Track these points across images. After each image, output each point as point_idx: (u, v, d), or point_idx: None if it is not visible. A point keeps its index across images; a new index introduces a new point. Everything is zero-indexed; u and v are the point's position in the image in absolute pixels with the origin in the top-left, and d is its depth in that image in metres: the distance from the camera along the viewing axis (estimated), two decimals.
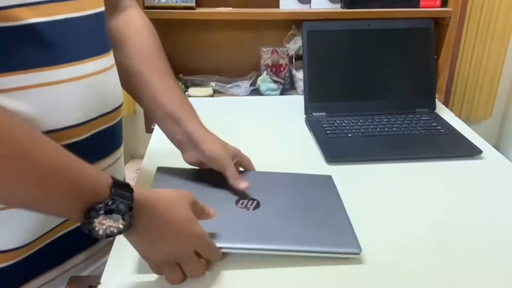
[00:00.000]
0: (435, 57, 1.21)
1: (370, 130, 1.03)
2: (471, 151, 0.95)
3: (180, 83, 1.60)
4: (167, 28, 1.57)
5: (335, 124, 1.04)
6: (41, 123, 0.55)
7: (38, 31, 0.53)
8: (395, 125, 1.05)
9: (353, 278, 0.62)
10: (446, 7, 1.37)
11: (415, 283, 0.61)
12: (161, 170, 0.78)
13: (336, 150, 0.94)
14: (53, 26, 0.54)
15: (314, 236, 0.65)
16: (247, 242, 0.63)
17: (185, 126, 0.70)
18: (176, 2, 1.37)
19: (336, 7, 1.39)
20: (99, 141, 0.64)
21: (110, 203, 0.48)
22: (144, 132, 1.59)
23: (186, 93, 1.60)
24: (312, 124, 1.05)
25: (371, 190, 0.82)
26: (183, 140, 0.71)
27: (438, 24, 1.34)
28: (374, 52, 1.13)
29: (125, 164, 1.93)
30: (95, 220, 0.47)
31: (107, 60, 0.64)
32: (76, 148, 0.50)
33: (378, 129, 1.03)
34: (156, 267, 0.56)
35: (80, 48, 0.58)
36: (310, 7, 1.42)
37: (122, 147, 0.73)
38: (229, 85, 1.64)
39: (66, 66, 0.56)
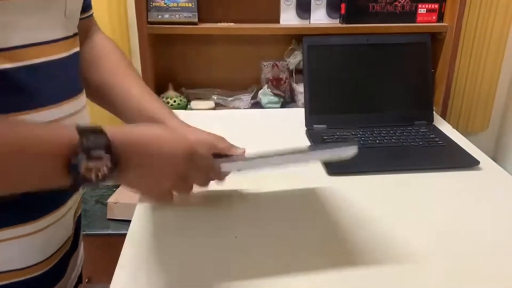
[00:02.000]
0: (432, 70, 1.23)
1: (370, 142, 1.05)
2: (469, 162, 0.97)
3: (182, 96, 1.62)
4: (170, 43, 1.60)
5: (336, 136, 1.07)
6: None
7: (12, 77, 0.51)
8: (394, 137, 1.08)
9: (354, 283, 0.63)
10: (442, 22, 1.41)
11: None
12: None
13: (337, 162, 0.96)
14: (28, 71, 0.53)
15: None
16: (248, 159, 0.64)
17: (167, 123, 0.73)
18: (179, 17, 1.40)
19: (335, 22, 1.42)
20: None
21: (84, 141, 0.46)
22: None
23: (188, 106, 1.63)
24: (313, 136, 1.07)
25: (372, 201, 0.84)
26: None
27: (435, 38, 1.37)
28: (373, 66, 1.16)
29: None
30: (81, 166, 0.46)
31: (81, 101, 0.64)
32: None
33: (377, 141, 1.06)
34: (158, 198, 0.57)
35: (56, 91, 0.57)
36: (309, 22, 1.45)
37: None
38: (230, 98, 1.67)
39: (43, 110, 0.55)
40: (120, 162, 0.49)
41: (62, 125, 0.53)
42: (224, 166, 0.64)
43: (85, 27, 0.74)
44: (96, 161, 0.47)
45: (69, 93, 0.60)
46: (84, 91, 0.66)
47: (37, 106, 0.54)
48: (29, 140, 0.46)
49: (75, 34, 0.62)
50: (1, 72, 0.50)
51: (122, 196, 1.79)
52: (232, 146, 0.74)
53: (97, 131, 0.48)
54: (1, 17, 0.48)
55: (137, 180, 0.53)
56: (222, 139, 0.76)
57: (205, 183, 0.63)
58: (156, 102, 0.75)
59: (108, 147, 0.47)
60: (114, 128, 0.50)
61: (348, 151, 0.64)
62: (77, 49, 0.62)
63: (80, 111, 0.63)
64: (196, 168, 0.58)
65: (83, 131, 0.47)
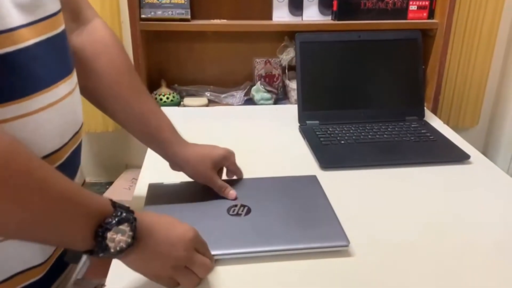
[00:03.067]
0: (423, 67, 1.25)
1: (362, 137, 1.06)
2: (460, 157, 0.99)
3: (175, 93, 1.63)
4: (163, 39, 1.60)
5: (328, 132, 1.08)
6: None
7: (8, 61, 0.50)
8: (386, 132, 1.09)
9: (344, 273, 0.65)
10: (433, 19, 1.42)
11: (402, 279, 0.64)
12: (153, 187, 0.81)
13: (329, 156, 0.97)
14: (22, 53, 0.52)
15: (304, 234, 0.69)
16: (241, 247, 0.66)
17: (167, 149, 0.75)
18: (172, 14, 1.40)
19: (327, 19, 1.43)
20: (73, 162, 0.64)
21: (119, 213, 0.51)
22: (139, 143, 1.61)
23: (181, 103, 1.63)
24: (306, 132, 1.08)
25: (364, 194, 0.86)
26: (167, 159, 0.78)
27: (426, 35, 1.39)
28: (365, 62, 1.17)
29: (120, 174, 1.93)
30: (108, 234, 0.50)
31: (73, 79, 0.63)
32: None
33: (369, 136, 1.07)
34: (155, 279, 0.59)
35: (51, 72, 0.57)
36: (302, 19, 1.46)
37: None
38: (223, 95, 1.67)
39: (41, 94, 0.54)
40: (137, 241, 0.53)
41: (96, 194, 0.54)
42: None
43: (73, 4, 0.70)
44: (121, 234, 0.51)
45: (63, 73, 0.59)
46: (75, 70, 0.64)
47: (36, 90, 0.54)
48: (70, 193, 0.49)
49: (59, 11, 0.60)
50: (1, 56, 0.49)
51: (115, 194, 1.79)
52: (225, 187, 0.77)
53: (128, 208, 0.53)
54: None
55: (142, 262, 0.56)
56: (231, 154, 0.80)
57: (205, 270, 0.62)
58: (154, 121, 0.75)
59: (134, 226, 0.52)
60: (140, 213, 0.55)
61: (337, 246, 0.68)
62: (63, 26, 0.61)
63: (74, 89, 0.62)
64: (196, 254, 0.60)
65: (116, 205, 0.53)
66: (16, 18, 0.51)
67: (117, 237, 0.51)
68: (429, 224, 0.77)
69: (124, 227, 0.51)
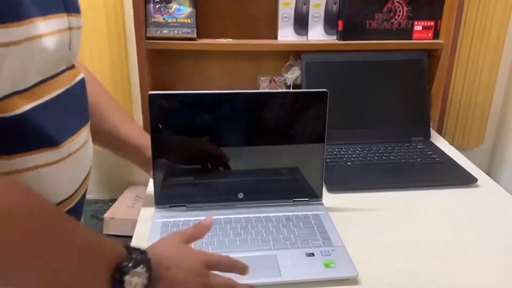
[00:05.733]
0: (428, 87, 1.25)
1: (368, 158, 1.06)
2: (467, 180, 0.98)
3: None
4: (168, 58, 1.60)
5: (334, 153, 1.07)
6: None
7: (35, 116, 0.50)
8: (392, 154, 1.08)
9: None
10: (438, 39, 1.42)
11: None
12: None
13: (336, 178, 0.96)
14: (48, 106, 0.52)
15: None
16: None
17: (144, 154, 0.81)
18: (178, 33, 1.41)
19: (332, 39, 1.43)
20: (82, 202, 0.64)
21: (134, 256, 0.52)
22: None
23: None
24: None
25: (370, 217, 0.85)
26: (144, 164, 0.84)
27: (431, 55, 1.39)
28: (370, 83, 1.17)
29: (123, 192, 1.92)
30: (125, 278, 0.50)
31: (89, 128, 0.64)
32: None
33: (376, 158, 1.06)
34: None
35: (74, 121, 0.58)
36: (307, 39, 1.46)
37: None
38: None
39: (65, 145, 0.54)
40: (152, 281, 0.53)
41: (108, 237, 0.54)
42: None
43: None
44: (137, 277, 0.51)
45: (83, 122, 0.61)
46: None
47: (60, 142, 0.54)
48: (89, 244, 0.49)
49: (73, 65, 0.61)
50: (22, 114, 0.49)
51: (119, 211, 1.78)
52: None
53: (141, 250, 0.54)
54: (21, 60, 0.47)
55: None
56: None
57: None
58: (134, 131, 0.82)
59: (149, 267, 0.53)
60: (151, 249, 0.56)
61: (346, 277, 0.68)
62: (81, 75, 0.62)
63: (89, 136, 0.63)
64: (214, 276, 0.59)
65: (130, 248, 0.53)
66: (55, 66, 0.54)
67: (134, 280, 0.51)
68: (437, 249, 0.75)
69: (140, 269, 0.51)
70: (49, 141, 0.52)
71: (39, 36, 0.48)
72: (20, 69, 0.47)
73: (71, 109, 0.58)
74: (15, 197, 0.44)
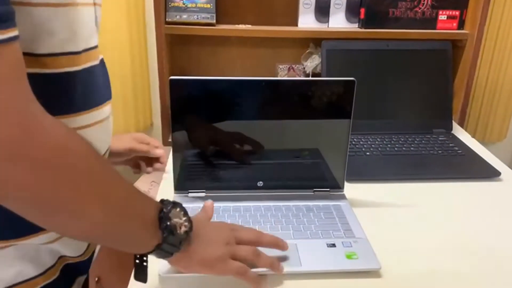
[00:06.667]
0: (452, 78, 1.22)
1: (388, 149, 1.04)
2: (490, 173, 0.96)
3: None
4: (186, 43, 1.59)
5: (354, 142, 1.05)
6: None
7: (77, 78, 0.55)
8: (412, 145, 1.06)
9: None
10: (463, 29, 1.38)
11: None
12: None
13: (355, 168, 0.95)
14: (85, 74, 0.56)
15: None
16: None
17: None
18: (197, 18, 1.40)
19: (354, 27, 1.41)
20: None
21: (167, 203, 0.55)
22: (162, 145, 1.61)
23: None
24: None
25: (389, 209, 0.83)
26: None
27: (455, 46, 1.35)
28: (392, 72, 1.14)
29: (139, 177, 1.94)
30: (171, 216, 0.53)
31: (111, 104, 0.67)
32: None
33: (396, 149, 1.04)
34: (220, 266, 0.59)
35: (101, 93, 0.61)
36: (328, 26, 1.43)
37: None
38: None
39: (93, 111, 0.58)
40: (192, 227, 0.56)
41: None
42: None
43: None
44: (179, 218, 0.54)
45: (107, 96, 0.64)
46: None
47: (90, 107, 0.58)
48: (134, 188, 0.52)
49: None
50: (68, 73, 0.53)
51: None
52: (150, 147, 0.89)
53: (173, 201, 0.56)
54: (70, 24, 0.52)
55: (202, 250, 0.58)
56: (141, 137, 0.90)
57: (254, 235, 0.64)
58: None
59: (185, 210, 0.56)
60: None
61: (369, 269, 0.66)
62: (102, 55, 0.66)
63: (111, 113, 0.66)
64: (240, 234, 0.62)
65: (161, 199, 0.56)
66: (95, 39, 0.59)
67: (178, 221, 0.54)
68: (460, 243, 0.74)
69: (178, 211, 0.54)
70: (83, 105, 0.56)
71: (78, 4, 0.52)
72: (70, 32, 0.52)
73: (101, 80, 0.61)
74: (85, 143, 0.47)
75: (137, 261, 0.56)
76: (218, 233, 0.61)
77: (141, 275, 0.57)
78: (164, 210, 0.53)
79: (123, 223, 0.50)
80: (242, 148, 0.81)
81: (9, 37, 0.40)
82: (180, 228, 0.54)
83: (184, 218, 0.55)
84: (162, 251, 0.54)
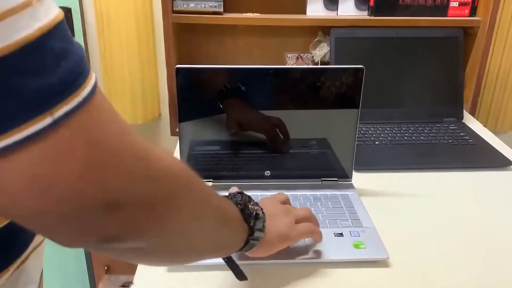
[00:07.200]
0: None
1: (397, 138, 1.03)
2: (501, 162, 0.94)
3: None
4: (194, 32, 1.58)
5: (362, 132, 1.04)
6: None
7: None
8: (422, 134, 1.05)
9: (381, 283, 0.62)
10: (475, 16, 1.36)
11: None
12: None
13: (363, 158, 0.93)
14: None
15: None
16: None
17: None
18: (205, 7, 1.39)
19: (363, 14, 1.39)
20: None
21: (232, 196, 0.55)
22: (169, 135, 1.61)
23: None
24: None
25: (398, 198, 0.82)
26: None
27: (466, 33, 1.32)
28: (402, 60, 1.13)
29: None
30: (245, 204, 0.54)
31: None
32: None
33: (405, 138, 1.03)
34: (294, 234, 0.61)
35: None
36: (337, 14, 1.41)
37: None
38: None
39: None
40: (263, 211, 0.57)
41: None
42: None
43: None
44: (249, 203, 0.55)
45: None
46: None
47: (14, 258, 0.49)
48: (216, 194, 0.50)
49: None
50: None
51: None
52: None
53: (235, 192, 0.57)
54: None
55: (275, 226, 0.59)
56: None
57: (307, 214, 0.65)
58: None
59: (248, 196, 0.56)
60: None
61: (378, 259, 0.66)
62: None
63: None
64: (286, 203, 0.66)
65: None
66: None
67: (252, 206, 0.54)
68: (470, 233, 0.73)
69: (245, 198, 0.55)
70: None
71: None
72: None
73: None
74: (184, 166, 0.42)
75: (229, 263, 0.57)
76: (275, 206, 0.62)
77: (241, 275, 0.58)
78: (238, 201, 0.54)
79: (228, 231, 0.51)
80: (280, 136, 0.80)
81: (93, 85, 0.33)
82: (257, 211, 0.55)
83: (252, 202, 0.56)
84: (252, 240, 0.54)
